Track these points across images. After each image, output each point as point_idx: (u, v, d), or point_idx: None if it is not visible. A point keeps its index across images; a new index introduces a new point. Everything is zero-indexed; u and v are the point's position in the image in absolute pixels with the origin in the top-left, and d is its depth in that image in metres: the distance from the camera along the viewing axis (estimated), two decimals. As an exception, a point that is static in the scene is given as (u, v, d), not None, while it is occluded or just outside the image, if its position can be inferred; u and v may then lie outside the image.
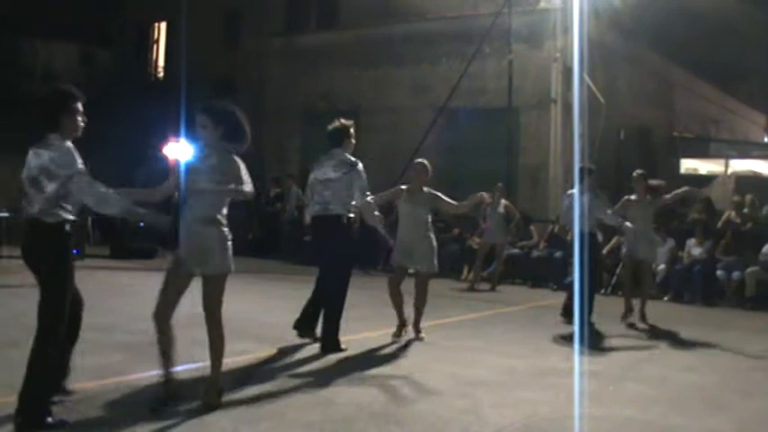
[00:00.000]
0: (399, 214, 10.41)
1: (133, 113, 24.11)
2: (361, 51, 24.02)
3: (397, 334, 10.06)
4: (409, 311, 10.22)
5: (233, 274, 6.57)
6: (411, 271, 10.32)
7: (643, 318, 12.45)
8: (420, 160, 10.70)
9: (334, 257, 9.36)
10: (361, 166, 9.30)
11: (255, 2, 27.56)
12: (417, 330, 10.21)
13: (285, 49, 26.07)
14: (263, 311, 11.87)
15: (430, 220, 10.33)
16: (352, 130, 9.60)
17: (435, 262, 10.32)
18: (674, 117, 28.26)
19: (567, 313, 12.03)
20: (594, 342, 10.41)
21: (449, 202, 10.38)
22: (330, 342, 9.14)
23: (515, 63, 20.63)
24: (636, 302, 12.54)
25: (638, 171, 13.20)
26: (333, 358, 8.71)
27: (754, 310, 14.76)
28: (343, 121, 9.66)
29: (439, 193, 10.30)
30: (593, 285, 12.13)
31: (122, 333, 9.47)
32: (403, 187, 10.36)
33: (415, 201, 10.18)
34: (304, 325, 9.52)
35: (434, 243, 10.30)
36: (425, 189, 10.24)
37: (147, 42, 32.08)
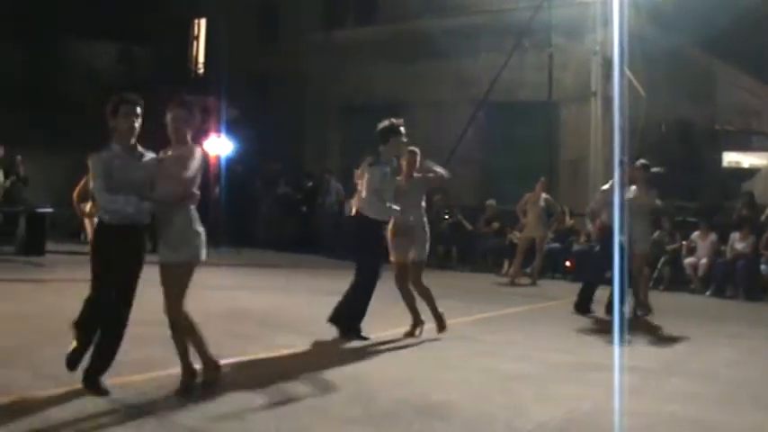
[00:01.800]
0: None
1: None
2: (399, 46, 23.98)
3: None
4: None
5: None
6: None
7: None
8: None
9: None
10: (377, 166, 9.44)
11: (294, -3, 27.64)
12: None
13: (323, 44, 26.10)
14: (303, 306, 11.91)
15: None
16: (400, 128, 9.59)
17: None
18: (716, 110, 27.97)
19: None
20: (637, 337, 10.33)
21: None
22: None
23: (555, 56, 20.56)
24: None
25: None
26: (371, 353, 8.70)
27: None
28: (392, 119, 9.70)
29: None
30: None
31: (163, 327, 9.52)
32: None
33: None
34: None
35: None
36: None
37: (187, 39, 32.26)
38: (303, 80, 26.30)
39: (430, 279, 10.11)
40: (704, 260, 16.32)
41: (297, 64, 26.41)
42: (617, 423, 6.50)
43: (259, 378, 7.29)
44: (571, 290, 15.87)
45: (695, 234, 16.83)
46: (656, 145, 21.06)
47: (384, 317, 10.30)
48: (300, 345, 8.91)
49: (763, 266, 15.61)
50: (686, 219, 18.33)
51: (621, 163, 12.05)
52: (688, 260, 16.64)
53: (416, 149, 9.94)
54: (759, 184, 23.33)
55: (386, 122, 9.64)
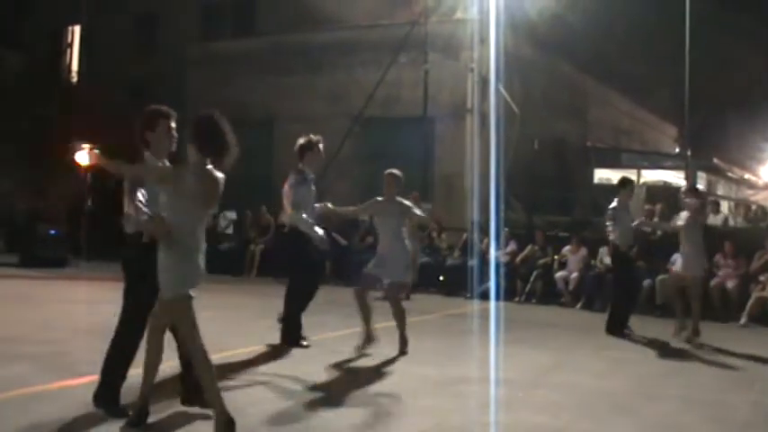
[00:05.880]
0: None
1: (45, 118, 23.69)
2: (277, 59, 23.93)
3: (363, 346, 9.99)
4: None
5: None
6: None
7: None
8: (389, 171, 10.34)
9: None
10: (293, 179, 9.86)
11: (171, 7, 27.29)
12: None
13: (201, 56, 25.86)
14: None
15: (404, 229, 10.28)
16: (316, 146, 10.01)
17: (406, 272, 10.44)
18: (588, 127, 28.69)
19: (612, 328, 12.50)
20: (507, 350, 10.45)
21: (418, 214, 10.48)
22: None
23: (431, 72, 20.74)
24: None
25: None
26: (239, 369, 8.58)
27: (663, 317, 14.94)
28: (311, 135, 10.04)
29: (409, 203, 10.34)
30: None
31: (29, 344, 9.26)
32: (379, 198, 10.30)
33: (388, 211, 10.17)
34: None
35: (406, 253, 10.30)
36: (397, 199, 10.16)
37: (61, 46, 31.56)
38: (181, 91, 25.98)
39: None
40: (575, 274, 16.65)
41: (175, 75, 26.09)
42: (485, 435, 6.58)
43: (134, 393, 7.07)
44: (444, 304, 16.04)
45: (566, 248, 17.17)
46: (529, 161, 21.47)
47: (251, 332, 10.31)
48: (172, 359, 8.74)
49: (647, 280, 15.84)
50: (558, 233, 18.69)
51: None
52: (559, 274, 16.96)
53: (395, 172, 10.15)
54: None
55: (302, 139, 10.05)
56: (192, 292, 6.04)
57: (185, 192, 5.91)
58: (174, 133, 6.65)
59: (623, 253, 12.50)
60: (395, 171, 10.15)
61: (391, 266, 10.03)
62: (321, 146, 10.06)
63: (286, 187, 9.94)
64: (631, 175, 27.76)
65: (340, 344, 10.39)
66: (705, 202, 12.90)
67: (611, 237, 12.62)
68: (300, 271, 10.05)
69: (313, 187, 10.04)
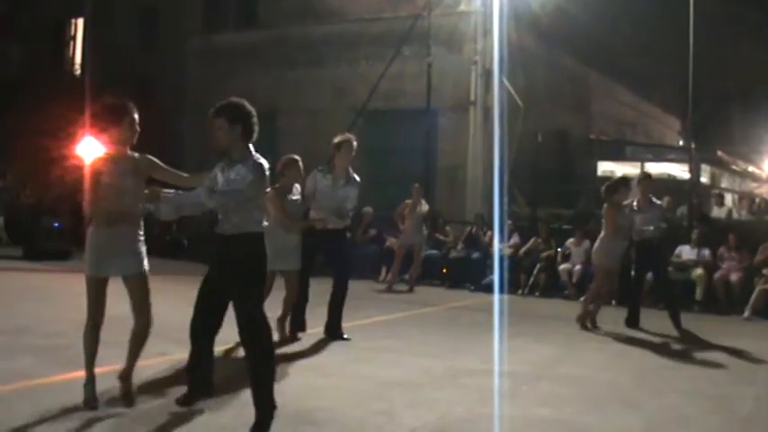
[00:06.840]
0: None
1: (48, 110, 23.65)
2: (280, 52, 23.90)
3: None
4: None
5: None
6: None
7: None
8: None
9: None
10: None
11: (173, 0, 27.27)
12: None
13: (203, 48, 25.84)
14: (172, 313, 11.68)
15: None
16: (344, 144, 10.83)
17: None
18: (592, 120, 28.63)
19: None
20: (510, 343, 10.45)
21: None
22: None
23: (434, 65, 20.72)
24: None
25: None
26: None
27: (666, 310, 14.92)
28: (346, 134, 10.91)
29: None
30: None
31: (34, 336, 9.26)
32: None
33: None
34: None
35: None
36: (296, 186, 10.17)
37: (64, 39, 31.55)
38: (183, 84, 25.97)
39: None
40: (578, 266, 16.63)
41: (177, 67, 26.09)
42: (489, 427, 6.57)
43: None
44: (448, 297, 16.05)
45: (570, 241, 17.15)
46: (532, 154, 21.43)
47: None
48: (173, 352, 8.75)
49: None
50: (561, 226, 18.67)
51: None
52: (563, 266, 16.95)
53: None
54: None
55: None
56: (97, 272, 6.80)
57: None
58: (215, 131, 6.77)
59: (656, 246, 12.61)
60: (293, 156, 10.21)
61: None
62: (354, 144, 10.79)
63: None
64: (635, 167, 27.84)
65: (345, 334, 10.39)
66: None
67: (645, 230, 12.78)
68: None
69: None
